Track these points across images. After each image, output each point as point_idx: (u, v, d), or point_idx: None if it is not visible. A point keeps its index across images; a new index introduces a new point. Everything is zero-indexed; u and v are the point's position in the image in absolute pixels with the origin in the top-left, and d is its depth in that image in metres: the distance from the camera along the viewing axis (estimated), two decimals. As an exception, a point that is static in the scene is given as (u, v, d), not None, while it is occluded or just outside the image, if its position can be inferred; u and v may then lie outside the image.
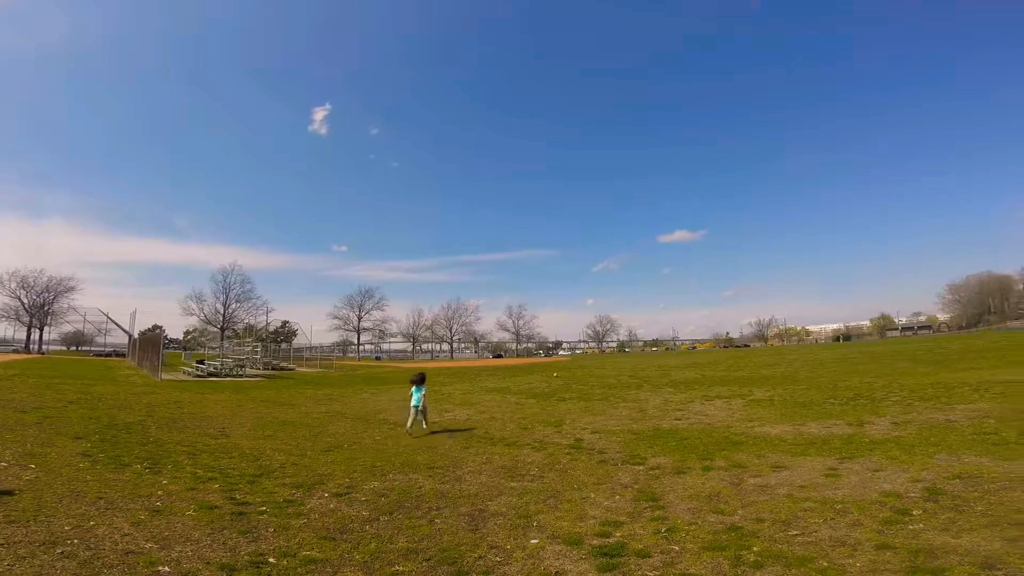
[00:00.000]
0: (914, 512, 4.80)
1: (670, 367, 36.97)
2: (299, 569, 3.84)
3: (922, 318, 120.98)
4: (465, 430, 10.86)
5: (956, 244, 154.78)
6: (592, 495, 5.98)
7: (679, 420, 11.93)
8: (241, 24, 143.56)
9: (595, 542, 4.45)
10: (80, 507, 5.04)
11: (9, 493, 5.44)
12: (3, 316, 77.42)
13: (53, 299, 79.97)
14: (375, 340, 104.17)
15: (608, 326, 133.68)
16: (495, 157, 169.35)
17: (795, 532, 4.45)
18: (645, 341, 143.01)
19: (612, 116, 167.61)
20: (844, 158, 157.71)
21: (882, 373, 21.77)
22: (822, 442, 8.58)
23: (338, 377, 32.80)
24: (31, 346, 77.72)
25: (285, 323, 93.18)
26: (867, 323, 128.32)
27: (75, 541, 4.16)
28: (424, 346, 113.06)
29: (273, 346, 53.25)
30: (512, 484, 6.57)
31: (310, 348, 62.16)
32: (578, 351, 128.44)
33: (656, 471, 7.08)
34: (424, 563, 4.03)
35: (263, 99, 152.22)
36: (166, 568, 3.75)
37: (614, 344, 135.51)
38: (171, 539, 4.33)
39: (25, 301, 77.98)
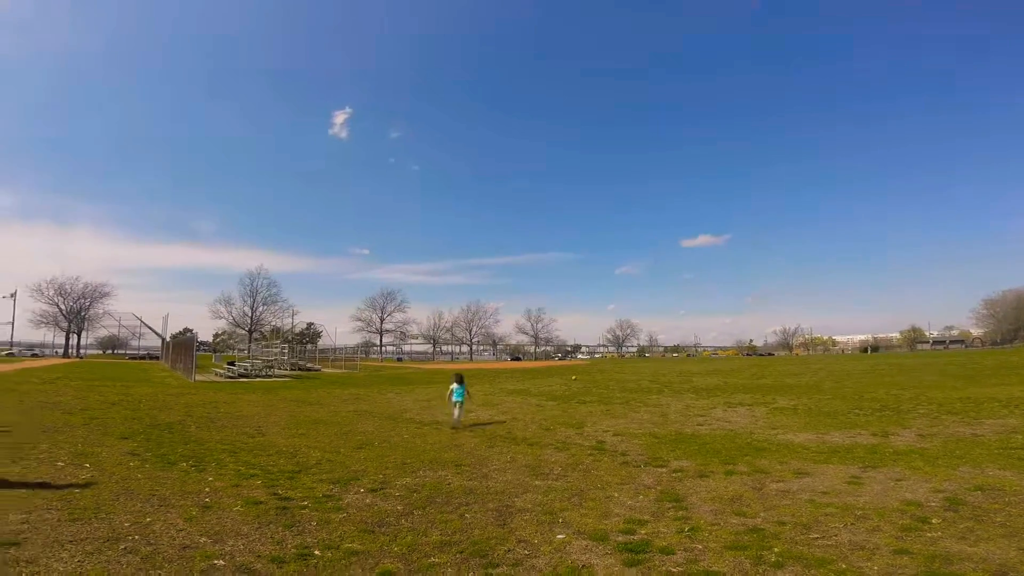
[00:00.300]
0: (933, 520, 4.89)
1: (691, 373, 36.75)
2: (343, 561, 4.09)
3: (955, 332, 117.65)
4: (495, 423, 11.12)
5: (995, 258, 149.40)
6: (616, 494, 6.17)
7: (701, 425, 12.01)
8: (260, 28, 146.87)
9: (620, 539, 4.64)
10: (135, 504, 5.35)
11: (88, 485, 5.88)
12: (43, 322, 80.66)
13: (89, 305, 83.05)
14: (397, 341, 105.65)
15: (628, 331, 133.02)
16: (518, 160, 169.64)
17: (815, 535, 4.58)
18: (666, 347, 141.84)
19: (636, 118, 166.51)
20: (880, 162, 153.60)
21: (909, 385, 21.41)
22: (845, 451, 8.61)
23: (363, 377, 33.42)
24: (69, 350, 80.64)
25: (310, 325, 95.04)
26: (896, 335, 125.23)
27: (135, 537, 4.42)
28: (444, 348, 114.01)
29: (299, 347, 54.38)
30: (537, 482, 6.79)
31: (334, 349, 63.20)
32: (597, 355, 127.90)
33: (679, 473, 7.23)
34: (458, 555, 4.27)
35: (283, 104, 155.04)
36: (221, 562, 3.99)
37: (634, 349, 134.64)
38: (222, 533, 4.60)
39: (63, 307, 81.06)
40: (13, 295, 76.19)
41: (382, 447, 9.27)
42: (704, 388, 23.23)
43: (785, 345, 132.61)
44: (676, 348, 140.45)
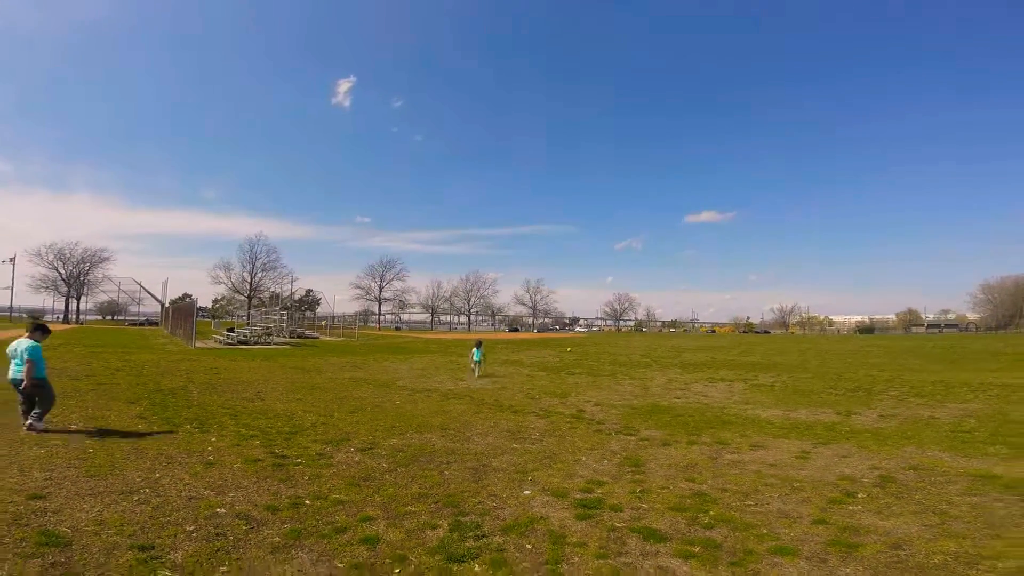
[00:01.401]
0: (859, 495, 5.38)
1: (683, 349, 37.47)
2: (330, 508, 4.63)
3: (951, 316, 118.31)
4: (485, 391, 11.71)
5: (997, 243, 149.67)
6: (584, 458, 6.74)
7: (678, 399, 12.61)
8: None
9: (578, 496, 5.20)
10: (145, 462, 5.86)
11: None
12: (43, 287, 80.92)
13: (88, 270, 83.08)
14: (395, 310, 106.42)
15: (627, 304, 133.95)
16: (520, 131, 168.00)
17: (750, 503, 5.10)
18: (663, 322, 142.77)
19: (642, 92, 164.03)
20: (887, 144, 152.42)
21: (889, 368, 22.03)
22: (806, 427, 9.18)
23: (360, 346, 34.08)
24: (69, 316, 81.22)
25: (309, 292, 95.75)
26: (893, 317, 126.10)
27: (146, 490, 4.90)
28: (443, 317, 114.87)
29: (298, 315, 55.03)
30: (514, 445, 7.38)
31: (333, 317, 63.93)
32: (594, 328, 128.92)
33: (645, 442, 7.81)
34: (432, 505, 4.83)
35: (287, 71, 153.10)
36: (222, 510, 4.50)
37: (631, 323, 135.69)
38: (224, 486, 5.13)
39: (62, 272, 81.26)
40: (12, 259, 76.19)
41: (374, 412, 9.85)
42: (692, 363, 23.88)
43: (782, 323, 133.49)
44: (674, 323, 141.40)
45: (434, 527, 4.30)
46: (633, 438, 8.07)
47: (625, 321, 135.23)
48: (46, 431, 7.09)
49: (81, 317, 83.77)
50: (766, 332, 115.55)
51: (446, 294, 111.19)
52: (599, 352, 32.01)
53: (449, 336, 62.94)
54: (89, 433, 7.25)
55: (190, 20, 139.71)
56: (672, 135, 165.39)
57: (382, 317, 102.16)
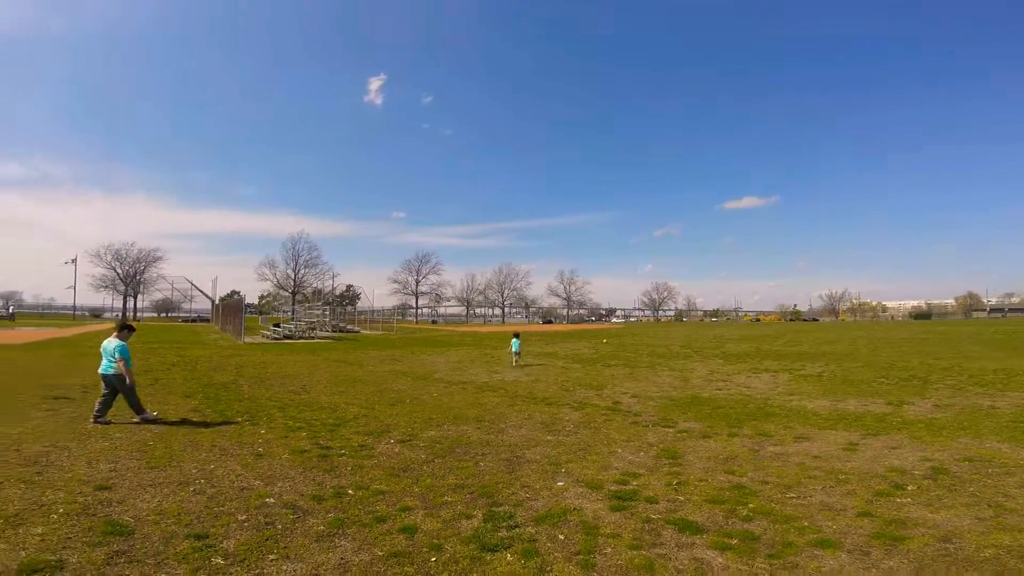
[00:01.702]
0: (908, 487, 5.18)
1: (725, 339, 36.61)
2: (371, 498, 4.79)
3: (1015, 300, 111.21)
4: (519, 383, 11.80)
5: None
6: (619, 450, 6.72)
7: (719, 390, 12.34)
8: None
9: (613, 488, 5.20)
10: (200, 454, 6.18)
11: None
12: (102, 286, 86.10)
13: (144, 269, 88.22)
14: (432, 304, 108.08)
15: (665, 294, 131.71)
16: (550, 121, 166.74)
17: (792, 495, 4.98)
18: (704, 311, 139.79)
19: (676, 66, 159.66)
20: (941, 119, 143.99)
21: (947, 355, 20.97)
22: (854, 418, 8.86)
23: (398, 339, 34.71)
24: (127, 313, 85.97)
25: (349, 287, 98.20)
26: (952, 302, 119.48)
27: (202, 481, 5.15)
28: (477, 310, 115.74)
29: (339, 309, 56.50)
30: (548, 437, 7.42)
31: (372, 311, 65.45)
32: (632, 319, 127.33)
33: (684, 434, 7.70)
34: (468, 495, 4.94)
35: (321, 71, 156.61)
36: (272, 499, 4.72)
37: (671, 313, 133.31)
38: (273, 477, 5.37)
39: (119, 272, 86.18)
40: (74, 260, 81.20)
41: (413, 404, 10.07)
42: (735, 354, 23.31)
43: (831, 310, 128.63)
44: (716, 312, 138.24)
45: (469, 517, 4.39)
46: (671, 430, 7.98)
47: (664, 311, 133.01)
48: (152, 420, 7.88)
49: (138, 315, 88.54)
50: (814, 320, 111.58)
51: (480, 287, 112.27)
52: (636, 343, 31.61)
53: (484, 329, 63.39)
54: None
55: (226, 25, 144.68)
56: (708, 119, 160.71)
57: (419, 311, 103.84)
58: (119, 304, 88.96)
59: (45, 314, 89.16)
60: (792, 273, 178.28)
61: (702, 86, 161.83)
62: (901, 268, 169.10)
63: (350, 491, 4.98)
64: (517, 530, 4.13)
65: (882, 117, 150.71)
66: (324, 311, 43.12)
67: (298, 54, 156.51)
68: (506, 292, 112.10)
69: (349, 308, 68.55)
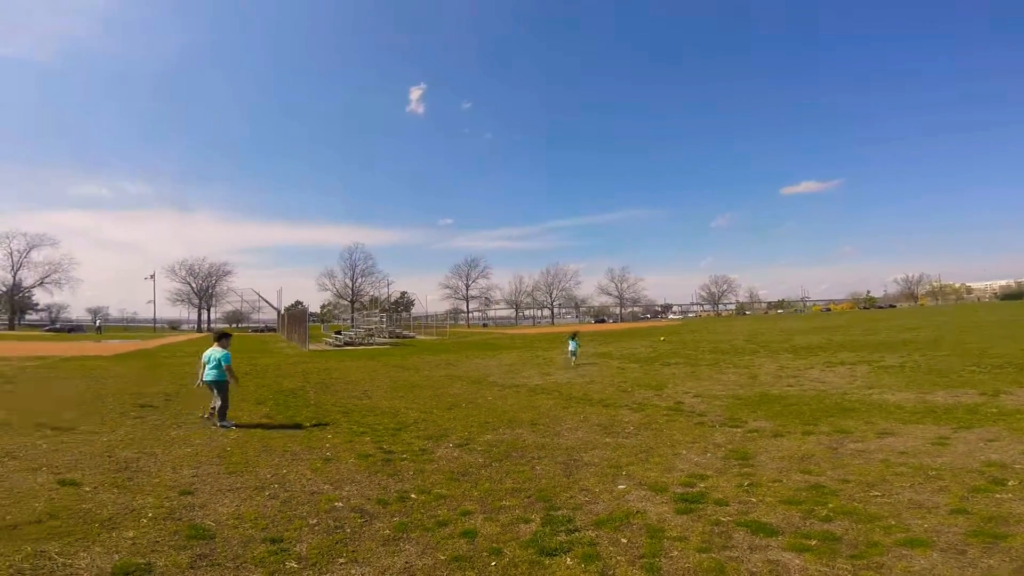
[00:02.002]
0: (1009, 483, 4.74)
1: (793, 331, 34.88)
2: (433, 503, 4.83)
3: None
4: (572, 384, 11.67)
5: None
6: (684, 452, 6.47)
7: (791, 386, 11.75)
8: (345, 17, 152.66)
9: (678, 490, 5.01)
10: (273, 459, 6.41)
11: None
12: (178, 300, 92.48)
13: (215, 283, 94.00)
14: (482, 307, 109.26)
15: (725, 287, 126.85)
16: (593, 118, 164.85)
17: (876, 493, 4.65)
18: (768, 303, 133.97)
19: (723, 48, 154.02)
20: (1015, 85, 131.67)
21: (1048, 337, 19.07)
22: (943, 411, 8.20)
23: (452, 344, 35.14)
24: (201, 325, 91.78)
25: (403, 294, 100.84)
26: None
27: (275, 486, 5.28)
28: (526, 312, 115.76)
29: (395, 316, 58.05)
30: (607, 440, 7.25)
31: (426, 316, 66.86)
32: (690, 315, 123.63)
33: (753, 434, 7.34)
34: (525, 499, 4.89)
35: (365, 82, 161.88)
36: (340, 504, 4.83)
37: (732, 307, 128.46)
38: (341, 481, 5.50)
39: (193, 286, 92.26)
40: (152, 276, 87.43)
41: (468, 408, 10.13)
42: (804, 347, 22.16)
43: (909, 295, 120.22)
44: (780, 304, 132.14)
45: (527, 521, 4.33)
46: (740, 430, 7.63)
47: (724, 305, 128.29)
48: (236, 426, 8.36)
49: (211, 326, 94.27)
50: (891, 306, 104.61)
51: (528, 289, 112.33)
52: (697, 340, 30.58)
53: (533, 331, 63.26)
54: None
55: (273, 48, 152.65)
56: (760, 102, 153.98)
57: (470, 315, 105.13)
58: (194, 316, 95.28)
59: (129, 327, 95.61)
60: (861, 257, 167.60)
61: (747, 72, 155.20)
62: (984, 246, 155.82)
63: (413, 495, 5.04)
64: (577, 534, 4.03)
65: (953, 88, 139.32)
66: (381, 318, 44.35)
67: (341, 70, 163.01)
68: (555, 293, 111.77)
69: (404, 314, 70.35)
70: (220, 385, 8.47)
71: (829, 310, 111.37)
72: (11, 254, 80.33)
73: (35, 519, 4.20)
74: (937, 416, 7.83)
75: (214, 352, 8.62)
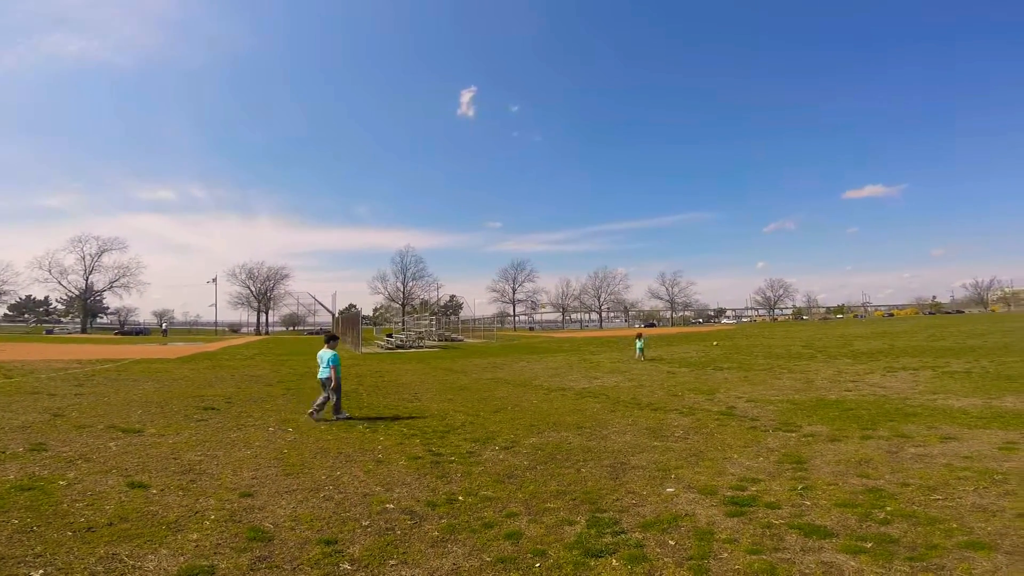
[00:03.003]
0: None
1: (853, 336, 33.26)
2: (479, 504, 4.90)
3: None
4: (621, 388, 11.53)
5: None
6: (735, 456, 6.32)
7: (849, 391, 11.26)
8: (394, 22, 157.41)
9: (728, 493, 4.91)
10: (328, 461, 6.60)
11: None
12: (238, 303, 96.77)
13: (273, 287, 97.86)
14: (528, 311, 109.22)
15: (781, 291, 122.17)
16: (643, 119, 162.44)
17: (938, 497, 4.47)
18: (828, 308, 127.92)
19: (779, 42, 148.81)
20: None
21: None
22: (1012, 416, 7.72)
23: (499, 347, 35.33)
24: (260, 328, 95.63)
25: (452, 297, 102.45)
26: None
27: (330, 487, 5.40)
28: (573, 316, 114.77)
29: (444, 319, 58.89)
30: (655, 443, 7.15)
31: (474, 320, 67.51)
32: (744, 319, 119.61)
33: (809, 438, 7.11)
34: (570, 502, 4.89)
35: (417, 87, 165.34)
36: (391, 505, 4.95)
37: (788, 311, 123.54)
38: (392, 483, 5.64)
39: (253, 289, 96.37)
40: (214, 280, 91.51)
41: (514, 411, 10.19)
42: (865, 352, 21.12)
43: (979, 301, 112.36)
44: (840, 309, 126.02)
45: (572, 523, 4.34)
46: (794, 434, 7.39)
47: (781, 310, 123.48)
48: (350, 417, 9.41)
49: (269, 328, 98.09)
50: (958, 312, 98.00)
51: (575, 292, 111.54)
52: (751, 345, 29.59)
53: (580, 335, 62.65)
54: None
55: (326, 53, 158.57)
56: (819, 104, 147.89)
57: (516, 318, 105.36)
58: (253, 319, 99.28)
59: (193, 330, 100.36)
60: (926, 262, 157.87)
61: (804, 69, 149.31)
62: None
63: (460, 497, 5.11)
64: (623, 536, 4.02)
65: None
66: (431, 321, 45.10)
67: (395, 74, 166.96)
68: (603, 296, 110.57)
69: (453, 318, 71.30)
70: (325, 383, 9.32)
71: (892, 315, 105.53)
72: (84, 258, 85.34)
73: (107, 521, 4.42)
74: (1005, 421, 7.37)
75: (324, 353, 9.48)
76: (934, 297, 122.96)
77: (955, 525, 3.86)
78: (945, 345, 22.54)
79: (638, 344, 22.62)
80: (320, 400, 9.39)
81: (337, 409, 9.35)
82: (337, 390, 9.32)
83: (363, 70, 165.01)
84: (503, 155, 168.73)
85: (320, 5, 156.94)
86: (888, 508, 4.28)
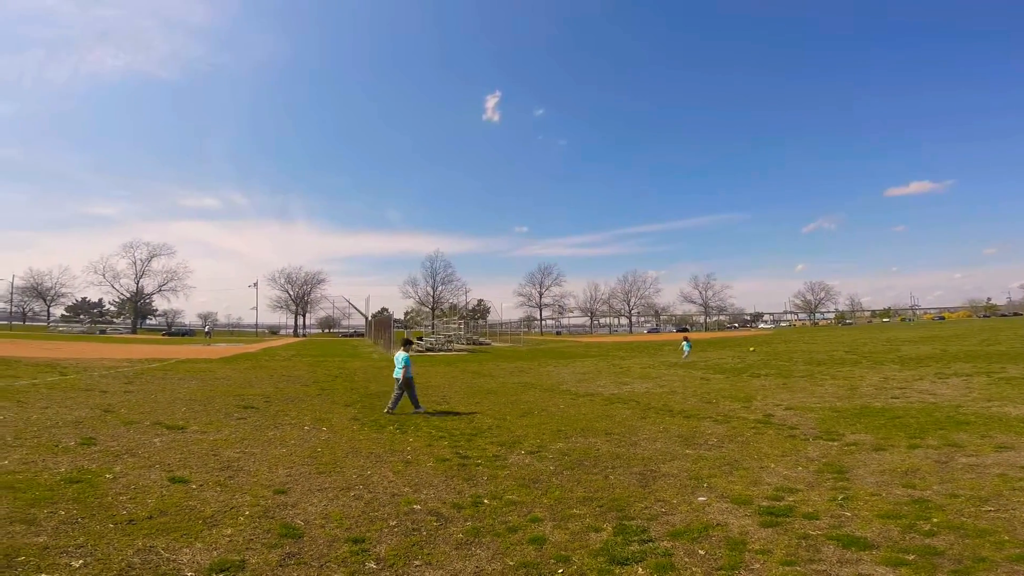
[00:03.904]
0: None
1: (901, 341, 31.87)
2: (504, 508, 4.89)
3: None
4: (651, 395, 11.32)
5: None
6: (772, 465, 6.12)
7: (896, 399, 10.79)
8: (421, 29, 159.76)
9: (764, 503, 4.74)
10: (359, 460, 6.72)
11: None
12: (278, 306, 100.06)
13: (310, 290, 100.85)
14: (555, 315, 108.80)
15: (822, 294, 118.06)
16: (670, 120, 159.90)
17: (989, 508, 4.25)
18: (872, 311, 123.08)
19: (815, 36, 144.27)
20: None
21: None
22: (1080, 424, 7.19)
23: (526, 351, 35.23)
24: (298, 330, 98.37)
25: (480, 301, 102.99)
26: None
27: (360, 487, 5.51)
28: (602, 320, 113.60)
29: (472, 323, 59.26)
30: (687, 451, 6.98)
31: (501, 324, 67.64)
32: (783, 324, 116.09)
33: (852, 447, 6.85)
34: (597, 508, 4.82)
35: (444, 92, 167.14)
36: (418, 506, 5.00)
37: (830, 315, 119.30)
38: (420, 484, 5.69)
39: (291, 293, 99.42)
40: (255, 284, 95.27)
41: (541, 415, 10.13)
42: (913, 357, 20.20)
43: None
44: (887, 312, 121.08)
45: (598, 530, 4.27)
46: (836, 443, 7.11)
47: (822, 313, 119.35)
48: (428, 412, 10.38)
49: (305, 331, 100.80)
50: (1015, 315, 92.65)
51: (604, 296, 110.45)
52: (790, 350, 28.64)
53: (609, 339, 61.82)
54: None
55: (357, 62, 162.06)
56: (856, 99, 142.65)
57: (543, 322, 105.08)
58: (291, 321, 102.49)
59: (235, 331, 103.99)
60: (980, 262, 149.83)
61: (839, 64, 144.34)
62: None
63: (485, 500, 5.11)
64: (650, 544, 3.93)
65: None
66: (459, 325, 45.51)
67: (421, 82, 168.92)
68: (633, 300, 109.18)
69: (481, 322, 71.68)
70: (400, 381, 10.43)
71: (943, 319, 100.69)
72: (135, 263, 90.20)
73: (147, 515, 4.57)
74: (1071, 431, 6.87)
75: (399, 355, 10.62)
76: (988, 299, 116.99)
77: (1006, 537, 3.66)
78: (1000, 350, 21.33)
79: (685, 345, 24.71)
80: (394, 397, 10.47)
81: (416, 403, 10.50)
82: (411, 387, 10.49)
83: (391, 77, 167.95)
84: (529, 159, 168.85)
85: (347, 15, 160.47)
86: (935, 519, 4.09)
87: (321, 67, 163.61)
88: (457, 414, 10.45)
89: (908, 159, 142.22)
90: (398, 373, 10.44)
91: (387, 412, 10.19)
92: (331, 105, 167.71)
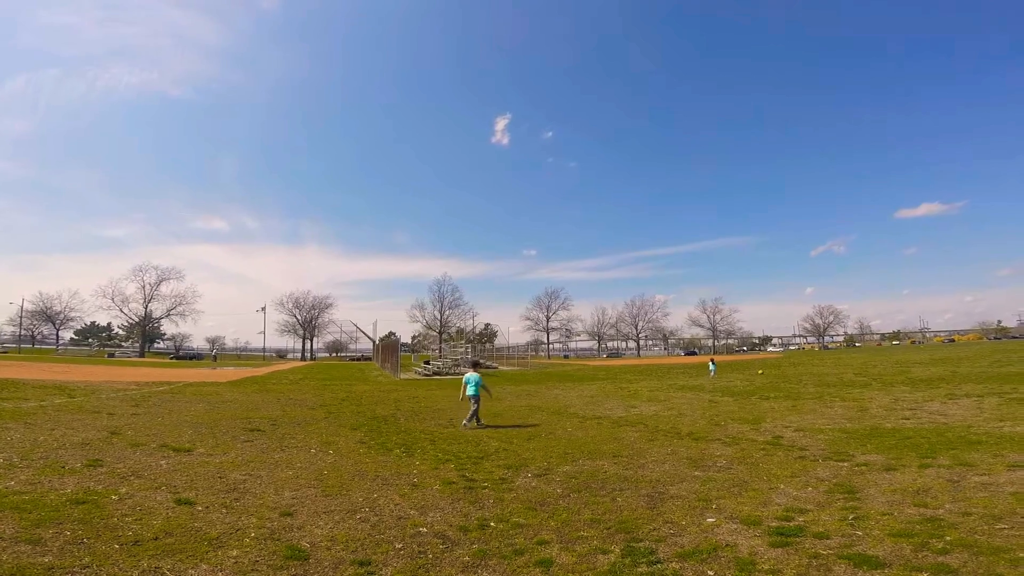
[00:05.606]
0: None
1: (911, 363, 31.53)
2: (511, 531, 4.84)
3: None
4: (659, 417, 11.21)
5: None
6: (782, 486, 6.05)
7: (906, 419, 10.67)
8: (436, 51, 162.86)
9: (774, 524, 4.69)
10: (365, 483, 6.69)
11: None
12: (285, 330, 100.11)
13: (318, 315, 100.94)
14: (562, 339, 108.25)
15: (831, 318, 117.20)
16: (681, 143, 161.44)
17: (1003, 526, 4.21)
18: (882, 334, 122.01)
19: (820, 55, 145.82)
20: None
21: None
22: (1096, 445, 7.07)
23: (533, 375, 35.06)
24: (305, 354, 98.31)
25: (487, 325, 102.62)
26: None
27: (366, 510, 5.47)
28: (610, 344, 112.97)
29: (479, 347, 59.13)
30: (696, 473, 6.91)
31: (508, 348, 67.42)
32: (792, 347, 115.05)
33: (862, 467, 6.78)
34: (604, 531, 4.76)
35: (453, 120, 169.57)
36: (424, 529, 4.96)
37: (840, 338, 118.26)
38: (426, 507, 5.65)
39: (299, 317, 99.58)
40: (263, 309, 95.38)
41: (548, 439, 10.06)
42: (923, 379, 19.98)
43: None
44: (896, 335, 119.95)
45: (606, 552, 4.22)
46: (846, 464, 7.04)
47: (831, 337, 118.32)
48: (483, 427, 11.43)
49: (313, 354, 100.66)
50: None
51: (611, 320, 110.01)
52: (799, 373, 28.38)
53: (616, 363, 61.37)
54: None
55: (370, 83, 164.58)
56: (866, 120, 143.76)
57: (551, 346, 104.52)
58: (299, 345, 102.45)
59: (242, 355, 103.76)
60: (991, 283, 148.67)
61: (847, 84, 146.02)
62: None
63: (492, 523, 5.07)
64: (659, 565, 3.88)
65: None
66: (467, 349, 45.41)
67: (430, 106, 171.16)
68: (640, 324, 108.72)
69: (488, 345, 71.45)
70: (477, 398, 11.78)
71: (953, 341, 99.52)
72: (144, 287, 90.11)
73: (153, 536, 4.55)
74: (1086, 450, 6.77)
75: (472, 376, 12.11)
76: (999, 321, 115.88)
77: (1022, 555, 3.61)
78: (1013, 371, 21.07)
79: (711, 367, 28.03)
80: (471, 413, 11.54)
81: (476, 419, 11.63)
82: (478, 402, 11.77)
83: (402, 101, 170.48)
84: (538, 182, 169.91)
85: (355, 42, 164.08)
86: (948, 537, 4.04)
87: (333, 88, 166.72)
88: (464, 437, 10.38)
89: (919, 180, 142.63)
90: (472, 391, 11.69)
91: (464, 427, 11.30)
92: (342, 126, 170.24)
